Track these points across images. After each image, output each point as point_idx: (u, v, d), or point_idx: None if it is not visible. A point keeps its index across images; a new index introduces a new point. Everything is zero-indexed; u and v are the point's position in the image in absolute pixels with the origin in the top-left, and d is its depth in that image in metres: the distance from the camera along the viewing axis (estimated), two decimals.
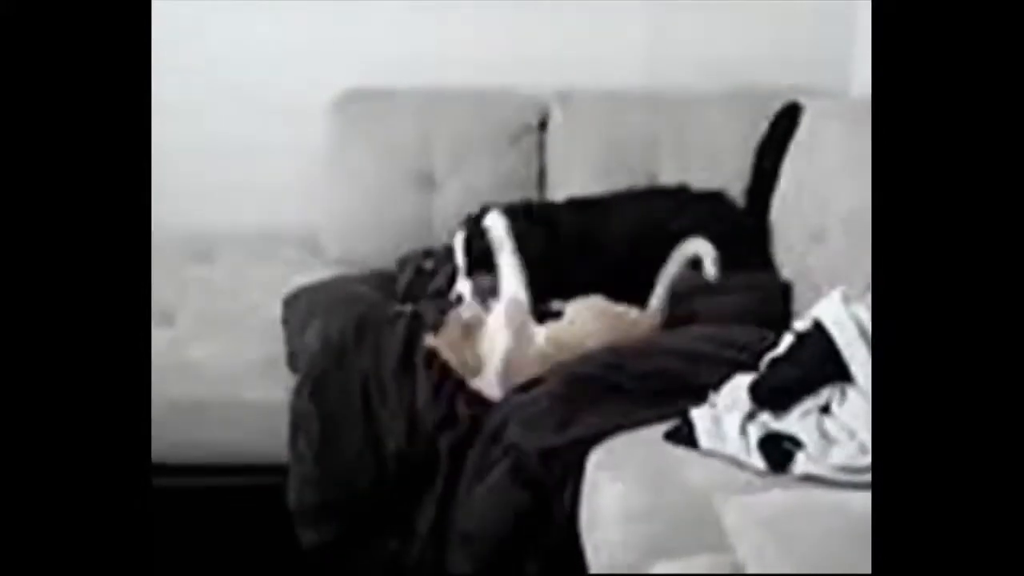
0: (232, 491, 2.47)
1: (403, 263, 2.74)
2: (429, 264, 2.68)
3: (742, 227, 2.72)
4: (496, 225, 2.52)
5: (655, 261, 2.48)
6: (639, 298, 2.44)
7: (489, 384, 2.27)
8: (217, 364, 2.48)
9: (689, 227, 2.53)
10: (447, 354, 2.28)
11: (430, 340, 2.30)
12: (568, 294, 2.43)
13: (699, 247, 2.47)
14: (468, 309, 2.33)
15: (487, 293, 2.47)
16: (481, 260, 2.50)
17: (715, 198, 2.75)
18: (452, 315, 2.33)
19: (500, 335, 2.29)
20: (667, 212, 2.65)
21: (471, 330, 2.30)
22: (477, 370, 2.28)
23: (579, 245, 2.58)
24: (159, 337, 2.50)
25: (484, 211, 2.57)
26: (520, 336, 2.30)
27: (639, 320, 2.38)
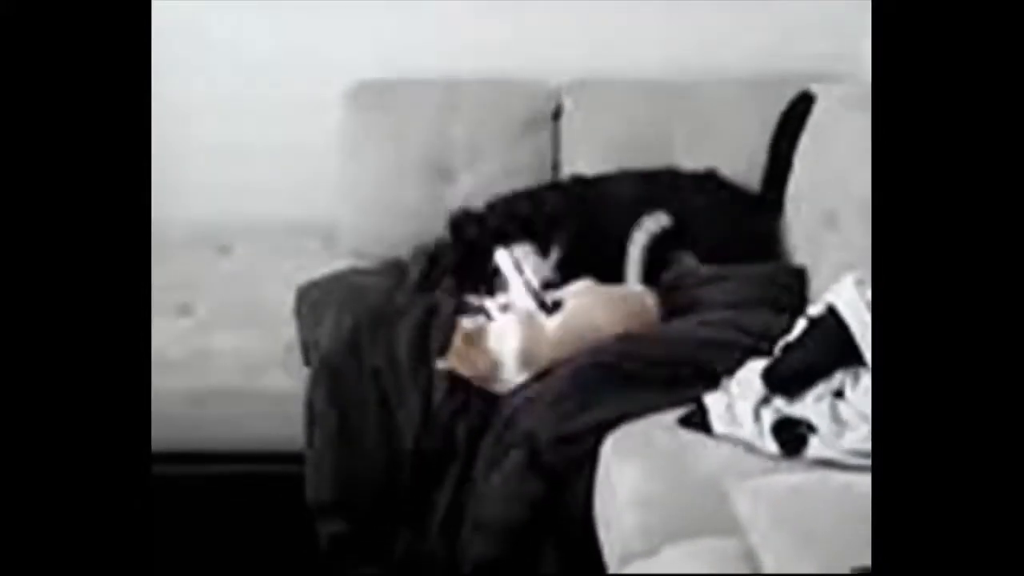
0: (249, 478, 2.50)
1: (417, 253, 2.73)
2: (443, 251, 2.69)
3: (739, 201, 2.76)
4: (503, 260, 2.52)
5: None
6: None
7: (509, 383, 2.27)
8: (235, 353, 2.51)
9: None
10: (461, 369, 2.26)
11: (441, 364, 2.27)
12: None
13: (659, 220, 2.54)
14: (469, 321, 2.31)
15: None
16: (472, 249, 2.58)
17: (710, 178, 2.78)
18: (457, 331, 2.29)
19: (510, 331, 2.28)
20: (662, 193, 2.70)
21: (474, 337, 2.27)
22: (493, 373, 2.26)
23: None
24: (178, 327, 2.54)
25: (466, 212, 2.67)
26: (530, 326, 2.30)
27: (642, 299, 2.39)
